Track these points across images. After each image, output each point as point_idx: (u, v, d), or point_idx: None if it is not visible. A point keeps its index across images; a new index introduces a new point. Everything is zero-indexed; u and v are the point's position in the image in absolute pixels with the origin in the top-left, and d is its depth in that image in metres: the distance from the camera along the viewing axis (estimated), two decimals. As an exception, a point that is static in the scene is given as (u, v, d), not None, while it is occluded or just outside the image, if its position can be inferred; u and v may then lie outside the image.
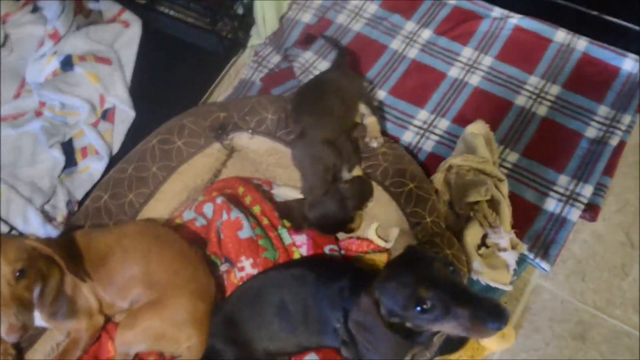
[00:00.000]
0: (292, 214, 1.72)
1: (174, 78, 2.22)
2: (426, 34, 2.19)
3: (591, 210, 1.85)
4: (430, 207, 1.70)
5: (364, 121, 1.85)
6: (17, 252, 1.45)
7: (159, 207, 1.81)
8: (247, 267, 1.67)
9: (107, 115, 2.14)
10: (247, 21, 2.24)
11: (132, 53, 2.25)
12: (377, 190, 1.75)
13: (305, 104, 1.74)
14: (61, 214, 1.93)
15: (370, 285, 1.27)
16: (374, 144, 1.80)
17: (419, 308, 1.16)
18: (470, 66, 2.11)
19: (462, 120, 2.00)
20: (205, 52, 2.27)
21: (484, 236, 1.77)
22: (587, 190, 1.85)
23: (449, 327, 1.17)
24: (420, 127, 2.03)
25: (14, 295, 1.42)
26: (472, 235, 1.76)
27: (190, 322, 1.56)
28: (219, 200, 1.73)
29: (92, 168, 2.03)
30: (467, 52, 2.14)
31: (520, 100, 2.03)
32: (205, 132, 1.82)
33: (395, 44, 2.19)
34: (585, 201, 1.84)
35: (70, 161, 2.05)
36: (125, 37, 2.27)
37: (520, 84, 2.06)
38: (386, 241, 1.78)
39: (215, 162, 1.86)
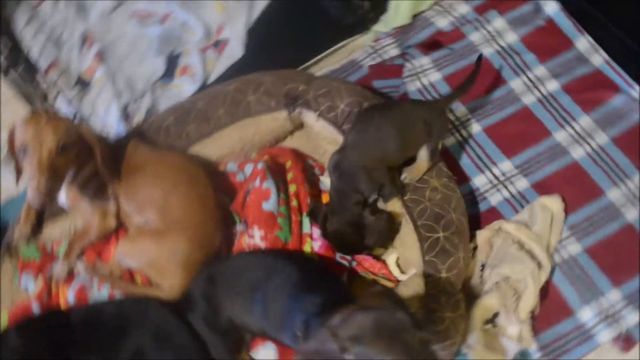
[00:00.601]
0: (318, 217, 1.71)
1: (292, 33, 2.22)
2: (552, 85, 2.01)
3: (627, 340, 1.66)
4: (451, 263, 1.61)
5: (417, 158, 1.73)
6: (67, 130, 1.58)
7: (212, 148, 1.87)
8: (256, 238, 1.69)
9: (218, 45, 2.22)
10: (380, 6, 2.18)
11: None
12: (409, 227, 1.68)
13: (368, 119, 1.67)
14: (138, 116, 2.06)
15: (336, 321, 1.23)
16: (404, 177, 1.72)
17: None
18: (581, 137, 1.91)
19: (543, 188, 1.84)
20: (330, 21, 2.25)
21: (497, 313, 1.67)
22: (632, 318, 1.65)
23: None
24: (497, 176, 1.89)
25: (51, 165, 1.54)
26: (485, 308, 1.66)
27: (182, 264, 1.63)
28: (260, 165, 1.75)
29: (183, 88, 2.14)
30: (584, 121, 1.93)
31: (614, 195, 1.82)
32: (280, 96, 1.83)
33: (516, 84, 2.03)
34: (625, 328, 1.65)
35: (169, 74, 2.18)
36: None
37: (623, 177, 1.84)
38: (403, 273, 1.74)
39: (280, 128, 1.87)
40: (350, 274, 1.73)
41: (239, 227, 1.78)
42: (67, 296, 1.72)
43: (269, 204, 1.71)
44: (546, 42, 2.09)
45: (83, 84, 2.17)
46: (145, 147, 1.78)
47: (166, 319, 1.57)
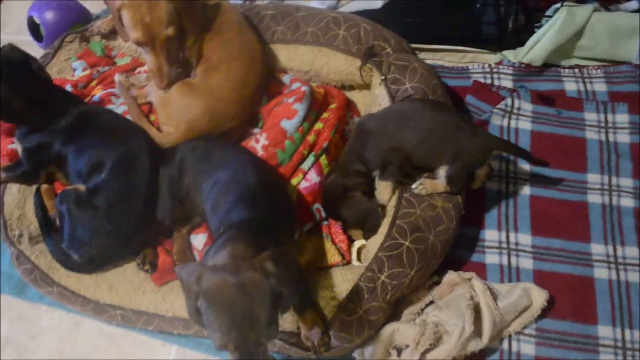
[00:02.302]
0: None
1: (435, 14, 2.22)
2: (627, 202, 1.80)
3: None
4: (397, 272, 1.55)
5: (436, 175, 1.67)
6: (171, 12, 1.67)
7: (285, 55, 1.94)
8: (260, 143, 1.74)
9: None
10: (523, 37, 2.08)
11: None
12: (386, 220, 1.65)
13: (412, 104, 1.64)
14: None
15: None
16: (416, 186, 1.66)
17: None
18: (616, 263, 1.71)
19: (541, 280, 1.69)
20: (474, 23, 2.21)
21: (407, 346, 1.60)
22: None
23: None
24: (509, 242, 1.77)
25: (168, 52, 1.71)
26: (399, 332, 1.59)
27: (188, 122, 1.73)
28: (304, 88, 1.78)
29: (309, 3, 2.21)
30: (630, 251, 1.71)
31: (605, 332, 1.62)
32: (365, 45, 1.84)
33: (594, 178, 1.85)
34: None
35: None
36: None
37: (627, 323, 1.63)
38: (359, 261, 1.70)
39: (348, 74, 1.88)
40: (313, 227, 1.74)
41: (256, 130, 1.84)
42: (95, 94, 1.89)
43: (288, 124, 1.74)
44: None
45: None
46: (236, 17, 1.85)
47: (142, 153, 1.68)
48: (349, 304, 1.55)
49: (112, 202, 1.60)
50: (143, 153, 1.67)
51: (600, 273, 1.72)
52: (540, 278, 1.71)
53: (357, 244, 1.72)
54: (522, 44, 2.07)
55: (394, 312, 1.65)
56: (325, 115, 1.81)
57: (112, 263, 1.69)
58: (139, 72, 1.93)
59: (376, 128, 1.61)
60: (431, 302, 1.66)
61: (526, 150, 1.74)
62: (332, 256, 1.67)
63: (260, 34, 1.93)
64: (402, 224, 1.61)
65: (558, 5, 2.00)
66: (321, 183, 1.73)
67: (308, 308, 1.55)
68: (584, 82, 2.06)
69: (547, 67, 2.09)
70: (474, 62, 2.13)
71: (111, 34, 2.01)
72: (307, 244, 1.70)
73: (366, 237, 1.69)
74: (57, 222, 1.67)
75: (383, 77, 1.79)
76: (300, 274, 1.56)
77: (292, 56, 1.91)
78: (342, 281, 1.61)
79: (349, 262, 1.69)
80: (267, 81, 1.88)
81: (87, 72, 1.93)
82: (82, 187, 1.64)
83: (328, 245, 1.69)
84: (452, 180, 1.63)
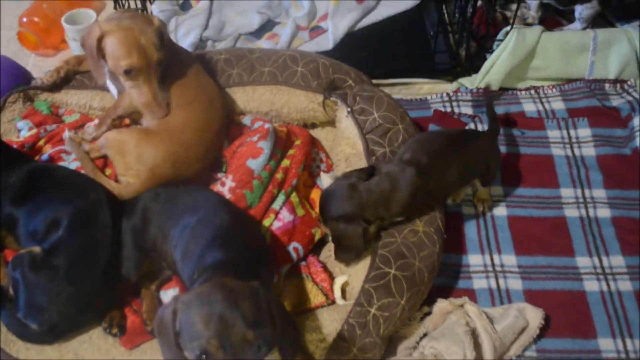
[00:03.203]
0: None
1: (386, 51, 2.24)
2: (604, 212, 1.79)
3: None
4: (387, 303, 1.45)
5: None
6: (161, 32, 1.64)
7: (243, 98, 1.87)
8: (226, 186, 1.64)
9: (314, 30, 2.27)
10: (477, 63, 2.10)
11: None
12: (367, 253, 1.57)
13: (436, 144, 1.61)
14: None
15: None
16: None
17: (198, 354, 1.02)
18: (604, 274, 1.67)
19: (534, 299, 1.63)
20: (426, 54, 2.22)
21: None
22: None
23: None
24: (494, 264, 1.71)
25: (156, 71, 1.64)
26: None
27: (149, 170, 1.62)
28: (267, 125, 1.71)
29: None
30: (616, 261, 1.69)
31: (606, 345, 1.55)
32: (325, 80, 1.80)
33: (568, 193, 1.84)
34: None
35: (257, 34, 2.35)
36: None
37: (626, 333, 1.57)
38: (344, 299, 1.60)
39: (310, 111, 1.83)
40: (291, 269, 1.63)
41: (221, 174, 1.75)
42: (45, 152, 1.77)
43: (255, 163, 1.66)
44: (621, 172, 1.88)
45: (185, 6, 2.28)
46: (191, 60, 1.79)
47: (102, 205, 1.56)
48: (341, 344, 1.43)
49: (72, 260, 1.45)
50: (103, 206, 1.55)
51: (591, 285, 1.67)
52: (532, 297, 1.65)
53: (339, 280, 1.61)
54: (476, 70, 2.09)
55: (388, 349, 1.55)
56: (291, 152, 1.74)
57: (76, 329, 1.51)
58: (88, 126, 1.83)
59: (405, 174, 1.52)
60: (425, 335, 1.57)
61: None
62: (315, 297, 1.56)
63: (216, 79, 1.87)
64: (384, 253, 1.53)
65: (508, 28, 2.03)
66: (294, 221, 1.65)
67: (297, 353, 1.43)
68: (542, 102, 2.08)
69: (504, 90, 2.11)
70: (432, 93, 2.13)
71: (55, 88, 1.91)
72: (287, 287, 1.59)
73: (337, 258, 1.59)
74: (11, 291, 1.51)
75: (349, 109, 1.74)
76: (287, 316, 1.45)
77: (250, 98, 1.86)
78: (330, 321, 1.49)
79: (333, 302, 1.58)
80: (227, 124, 1.81)
81: (34, 131, 1.81)
82: (37, 249, 1.49)
83: (309, 285, 1.58)
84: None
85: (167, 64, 1.66)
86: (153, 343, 1.51)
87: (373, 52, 2.20)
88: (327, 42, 2.20)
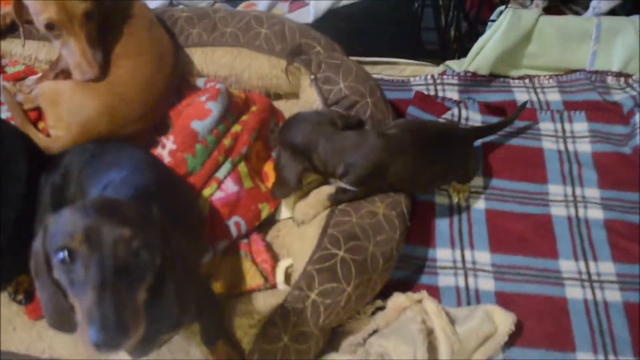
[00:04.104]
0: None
1: (370, 30, 2.08)
2: (596, 214, 1.57)
3: None
4: (330, 289, 1.25)
5: None
6: None
7: (200, 59, 1.69)
8: (167, 149, 1.46)
9: (294, 2, 2.09)
10: (467, 45, 1.91)
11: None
12: (314, 231, 1.37)
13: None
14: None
15: None
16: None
17: (60, 255, 0.80)
18: (590, 281, 1.46)
19: (506, 303, 1.41)
20: (417, 31, 2.04)
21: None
22: None
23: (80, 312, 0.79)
24: (465, 261, 1.51)
25: (89, 35, 1.43)
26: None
27: (81, 123, 1.44)
28: (219, 85, 1.53)
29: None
30: (605, 267, 1.48)
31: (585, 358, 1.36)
32: (290, 45, 1.62)
33: (556, 190, 1.63)
34: None
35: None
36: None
37: (610, 348, 1.35)
38: (286, 284, 1.40)
39: (272, 78, 1.66)
40: (230, 246, 1.43)
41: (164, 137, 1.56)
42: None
43: (200, 125, 1.47)
44: (619, 171, 1.66)
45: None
46: (146, 12, 1.60)
47: (17, 156, 1.36)
48: (271, 330, 1.23)
49: (-24, 215, 1.27)
50: (18, 157, 1.36)
51: (573, 292, 1.46)
52: (505, 300, 1.44)
53: (283, 264, 1.42)
54: (466, 53, 1.89)
55: (330, 344, 1.34)
56: (244, 118, 1.55)
57: (-25, 293, 1.34)
58: (29, 79, 1.66)
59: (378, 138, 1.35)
60: (375, 332, 1.37)
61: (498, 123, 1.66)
62: (252, 278, 1.36)
63: (174, 38, 1.69)
64: (334, 233, 1.33)
65: (502, 7, 1.83)
66: (239, 193, 1.45)
67: (220, 339, 1.23)
68: (536, 92, 1.88)
69: (495, 77, 1.91)
70: (415, 75, 1.93)
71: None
72: (221, 265, 1.39)
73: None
74: None
75: (313, 77, 1.56)
76: (210, 295, 1.25)
77: (208, 60, 1.67)
78: (265, 306, 1.29)
79: (273, 286, 1.38)
80: (179, 84, 1.63)
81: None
82: None
83: (248, 265, 1.39)
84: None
85: (106, 16, 1.48)
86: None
87: (356, 30, 2.02)
88: (307, 15, 2.02)
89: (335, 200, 1.39)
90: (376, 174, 1.35)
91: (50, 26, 1.40)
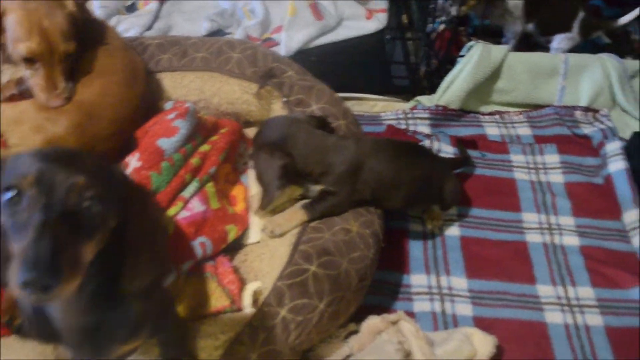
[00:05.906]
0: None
1: (340, 69, 2.07)
2: (572, 240, 1.56)
3: None
4: (301, 305, 1.18)
5: None
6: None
7: (170, 83, 1.65)
8: (130, 168, 1.37)
9: (266, 42, 2.12)
10: (437, 82, 1.92)
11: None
12: (285, 250, 1.31)
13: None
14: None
15: None
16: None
17: (8, 194, 0.73)
18: (569, 305, 1.41)
19: (485, 328, 1.33)
20: (387, 68, 2.07)
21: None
22: None
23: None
24: (441, 287, 1.45)
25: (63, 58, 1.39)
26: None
27: (46, 140, 1.37)
28: (188, 104, 1.48)
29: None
30: (584, 292, 1.44)
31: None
32: (261, 69, 1.59)
33: (531, 218, 1.62)
34: None
35: None
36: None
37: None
38: (253, 307, 1.31)
39: (242, 103, 1.61)
40: (194, 267, 1.35)
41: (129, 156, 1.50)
42: None
43: (167, 142, 1.40)
44: (592, 200, 1.66)
45: (132, 8, 2.13)
46: (119, 37, 1.58)
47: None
48: (238, 348, 1.15)
49: None
50: None
51: (553, 317, 1.41)
52: (484, 325, 1.38)
53: (251, 287, 1.32)
54: (435, 90, 1.90)
55: (300, 370, 1.25)
56: (214, 138, 1.50)
57: None
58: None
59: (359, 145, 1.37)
60: (349, 356, 1.28)
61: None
62: (218, 299, 1.27)
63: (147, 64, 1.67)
64: (306, 249, 1.27)
65: (472, 43, 1.86)
66: (205, 212, 1.39)
67: (183, 356, 1.14)
68: (506, 127, 1.88)
69: (466, 113, 1.92)
70: (386, 111, 1.93)
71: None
72: (185, 287, 1.30)
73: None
74: None
75: (285, 99, 1.53)
76: (172, 311, 1.16)
77: (177, 84, 1.63)
78: (230, 327, 1.20)
79: (239, 310, 1.30)
80: (149, 106, 1.58)
81: None
82: None
83: (213, 286, 1.30)
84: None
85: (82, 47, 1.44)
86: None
87: (328, 68, 2.02)
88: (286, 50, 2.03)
89: (311, 211, 1.34)
90: (355, 172, 1.33)
91: (29, 58, 1.35)
